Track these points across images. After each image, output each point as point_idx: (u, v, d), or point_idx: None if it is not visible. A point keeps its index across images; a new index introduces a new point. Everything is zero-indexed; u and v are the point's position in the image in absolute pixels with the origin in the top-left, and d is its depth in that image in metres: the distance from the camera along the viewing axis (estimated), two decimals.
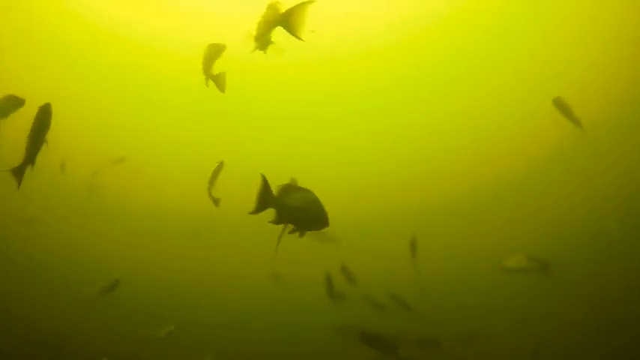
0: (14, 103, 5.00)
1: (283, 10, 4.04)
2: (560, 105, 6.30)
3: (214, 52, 4.71)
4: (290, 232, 3.34)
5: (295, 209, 3.20)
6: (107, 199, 12.52)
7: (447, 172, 14.92)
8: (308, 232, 3.33)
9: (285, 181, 5.52)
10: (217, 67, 4.81)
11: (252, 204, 3.22)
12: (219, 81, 4.76)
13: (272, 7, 4.05)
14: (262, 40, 4.14)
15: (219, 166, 5.57)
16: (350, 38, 12.90)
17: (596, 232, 12.74)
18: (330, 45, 12.52)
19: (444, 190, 14.41)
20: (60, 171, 8.77)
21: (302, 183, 5.76)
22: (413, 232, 7.54)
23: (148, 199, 14.47)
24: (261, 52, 4.10)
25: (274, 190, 3.27)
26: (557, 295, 10.96)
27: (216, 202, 5.63)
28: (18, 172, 3.77)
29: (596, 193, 14.07)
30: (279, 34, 4.08)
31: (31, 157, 3.80)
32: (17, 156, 3.74)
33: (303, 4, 3.94)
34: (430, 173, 14.85)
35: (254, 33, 4.16)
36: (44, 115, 3.83)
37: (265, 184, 3.25)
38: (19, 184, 3.82)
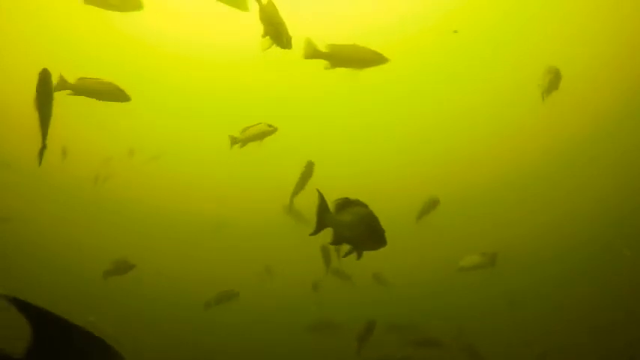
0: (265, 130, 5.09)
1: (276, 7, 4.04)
2: (553, 74, 5.95)
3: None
4: (344, 256, 3.10)
5: (351, 227, 2.96)
6: (113, 192, 12.48)
7: (446, 171, 14.93)
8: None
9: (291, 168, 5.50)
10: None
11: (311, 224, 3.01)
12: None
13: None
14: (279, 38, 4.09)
15: (270, 131, 5.38)
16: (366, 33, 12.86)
17: (595, 232, 12.75)
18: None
19: (440, 189, 14.40)
20: (61, 157, 8.63)
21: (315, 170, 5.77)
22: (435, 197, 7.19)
23: (149, 195, 14.48)
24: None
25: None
26: (557, 296, 10.97)
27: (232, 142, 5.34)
28: (41, 151, 3.80)
29: (597, 193, 14.06)
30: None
31: (44, 129, 3.77)
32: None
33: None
34: (430, 171, 14.86)
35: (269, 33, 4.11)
36: (45, 82, 3.79)
37: (322, 202, 3.03)
38: (40, 162, 3.83)
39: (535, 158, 15.14)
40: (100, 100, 4.74)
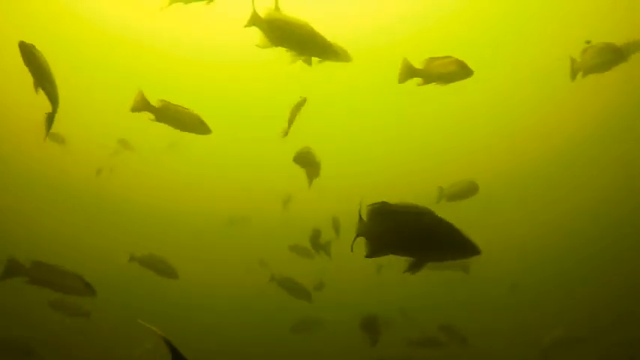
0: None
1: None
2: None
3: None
4: (407, 271, 2.63)
5: (420, 236, 2.54)
6: (114, 187, 12.39)
7: (446, 170, 14.92)
8: None
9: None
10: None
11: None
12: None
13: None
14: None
15: (302, 101, 5.16)
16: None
17: (596, 231, 12.72)
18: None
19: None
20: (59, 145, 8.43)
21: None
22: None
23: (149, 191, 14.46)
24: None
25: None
26: (557, 295, 10.96)
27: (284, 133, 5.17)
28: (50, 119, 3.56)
29: (598, 191, 14.02)
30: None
31: (53, 99, 3.51)
32: None
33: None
34: (429, 171, 14.84)
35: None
36: (30, 54, 3.50)
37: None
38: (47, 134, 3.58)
39: (534, 157, 15.14)
40: (177, 128, 4.41)
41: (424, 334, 7.52)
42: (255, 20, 3.80)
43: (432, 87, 4.45)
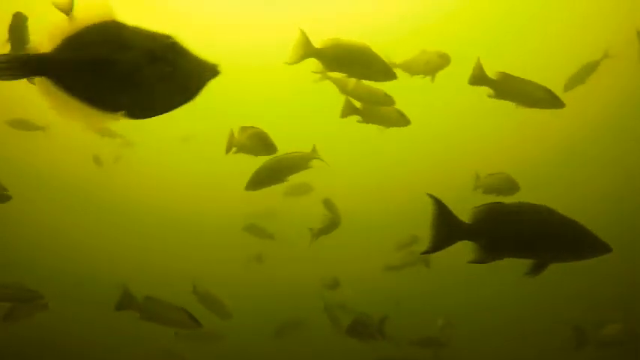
0: None
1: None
2: None
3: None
4: (530, 273, 2.56)
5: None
6: (113, 183, 12.34)
7: (451, 167, 14.93)
8: None
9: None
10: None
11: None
12: None
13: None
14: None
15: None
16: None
17: (596, 229, 12.69)
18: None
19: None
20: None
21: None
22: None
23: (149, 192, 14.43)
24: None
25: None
26: (557, 294, 10.96)
27: None
28: None
29: (605, 188, 13.98)
30: None
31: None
32: None
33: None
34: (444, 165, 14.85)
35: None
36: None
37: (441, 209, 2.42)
38: None
39: (534, 156, 15.13)
40: (252, 154, 4.23)
41: (424, 334, 7.53)
42: (310, 51, 3.62)
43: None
